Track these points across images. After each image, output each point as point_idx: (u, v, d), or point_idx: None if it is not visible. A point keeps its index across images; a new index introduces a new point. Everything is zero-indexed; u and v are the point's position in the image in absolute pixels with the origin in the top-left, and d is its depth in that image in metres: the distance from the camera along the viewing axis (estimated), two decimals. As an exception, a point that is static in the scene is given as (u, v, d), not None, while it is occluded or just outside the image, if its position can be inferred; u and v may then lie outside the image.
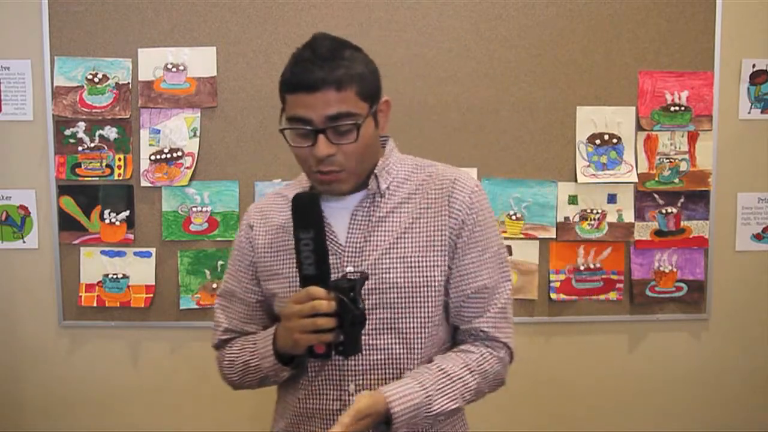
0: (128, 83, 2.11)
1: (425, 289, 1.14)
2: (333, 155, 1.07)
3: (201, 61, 2.11)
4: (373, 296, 1.13)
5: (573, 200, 2.17)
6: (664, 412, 2.28)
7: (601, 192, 2.17)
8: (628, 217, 2.18)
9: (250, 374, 1.21)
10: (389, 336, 1.14)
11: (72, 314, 2.17)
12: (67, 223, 2.15)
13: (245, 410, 2.23)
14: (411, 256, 1.14)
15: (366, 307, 1.06)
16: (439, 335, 1.19)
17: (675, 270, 2.20)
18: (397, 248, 1.15)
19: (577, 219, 2.17)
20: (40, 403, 2.22)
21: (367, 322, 1.06)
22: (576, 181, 2.16)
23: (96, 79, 2.11)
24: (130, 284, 2.15)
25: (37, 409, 2.23)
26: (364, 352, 1.12)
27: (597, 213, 2.17)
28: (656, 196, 2.19)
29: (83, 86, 2.11)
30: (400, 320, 1.14)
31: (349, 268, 1.14)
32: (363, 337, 1.07)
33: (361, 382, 1.14)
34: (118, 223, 2.14)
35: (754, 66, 2.20)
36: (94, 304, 2.15)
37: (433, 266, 1.15)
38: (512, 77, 2.13)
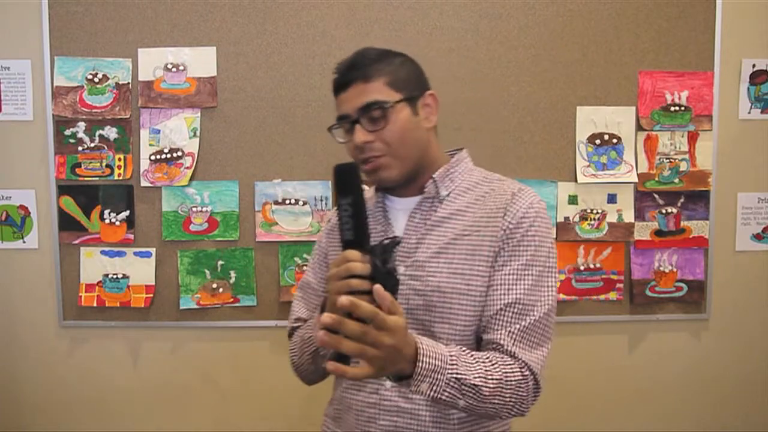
0: (128, 83, 2.11)
1: (466, 297, 1.14)
2: (371, 142, 1.14)
3: (201, 61, 2.11)
4: (417, 298, 1.14)
5: (573, 200, 2.17)
6: (664, 411, 2.28)
7: (601, 192, 2.17)
8: (628, 217, 2.18)
9: (305, 348, 1.23)
10: (426, 338, 1.11)
11: (72, 314, 2.17)
12: (67, 223, 2.15)
13: (245, 410, 2.23)
14: (457, 263, 1.15)
15: (398, 274, 1.09)
16: (471, 346, 1.16)
17: (675, 270, 2.20)
18: (445, 253, 1.16)
19: (577, 219, 2.17)
20: (39, 403, 2.22)
21: (406, 310, 1.08)
22: (576, 181, 2.16)
23: (96, 79, 2.11)
24: (130, 284, 2.15)
25: (37, 409, 2.23)
26: None
27: (597, 213, 2.17)
28: (656, 196, 2.19)
29: (83, 86, 2.11)
30: (438, 324, 1.14)
31: (401, 269, 1.16)
32: None
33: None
34: (118, 223, 2.14)
35: (754, 66, 2.20)
36: (94, 304, 2.15)
37: (477, 275, 1.14)
38: (512, 77, 2.13)
